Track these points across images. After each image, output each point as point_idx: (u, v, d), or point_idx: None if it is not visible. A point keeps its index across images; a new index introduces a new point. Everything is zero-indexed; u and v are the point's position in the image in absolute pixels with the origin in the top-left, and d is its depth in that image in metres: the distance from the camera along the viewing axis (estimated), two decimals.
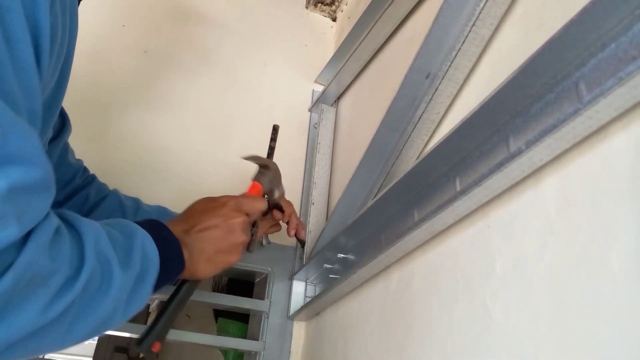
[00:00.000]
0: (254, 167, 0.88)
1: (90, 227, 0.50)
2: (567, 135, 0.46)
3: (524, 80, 0.50)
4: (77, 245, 0.47)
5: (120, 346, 3.84)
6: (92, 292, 0.47)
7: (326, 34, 1.39)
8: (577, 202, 0.46)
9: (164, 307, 0.68)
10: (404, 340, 0.68)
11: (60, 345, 0.47)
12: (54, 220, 0.44)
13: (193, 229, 0.65)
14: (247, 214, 0.72)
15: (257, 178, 0.84)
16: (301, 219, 1.12)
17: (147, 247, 0.55)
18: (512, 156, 0.50)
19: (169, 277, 0.60)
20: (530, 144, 0.48)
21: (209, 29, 1.26)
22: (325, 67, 1.24)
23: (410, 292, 0.70)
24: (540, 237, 0.49)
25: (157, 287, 0.57)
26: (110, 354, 3.68)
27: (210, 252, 0.65)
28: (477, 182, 0.54)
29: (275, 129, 0.89)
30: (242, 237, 0.69)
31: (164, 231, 0.60)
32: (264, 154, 0.90)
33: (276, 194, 0.87)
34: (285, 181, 0.97)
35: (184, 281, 0.69)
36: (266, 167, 0.85)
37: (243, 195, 0.76)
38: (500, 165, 0.51)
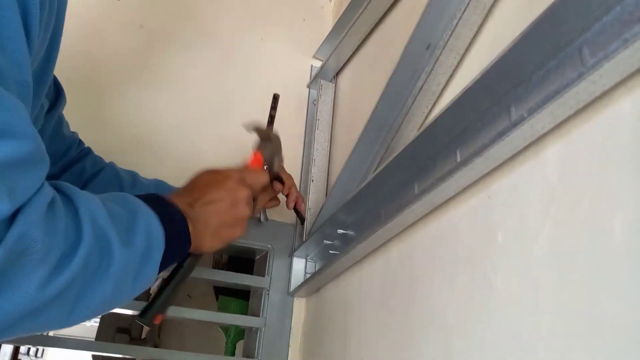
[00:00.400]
0: (251, 141, 0.86)
1: (89, 202, 0.48)
2: (570, 101, 0.45)
3: (526, 47, 0.49)
4: (73, 221, 0.45)
5: (123, 327, 3.88)
6: (92, 270, 0.46)
7: (324, 7, 1.36)
8: (579, 170, 0.45)
9: (166, 280, 0.67)
10: (405, 314, 0.68)
11: (66, 322, 0.47)
12: (48, 193, 0.43)
13: (197, 202, 0.63)
14: (250, 187, 0.71)
15: (258, 147, 0.83)
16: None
17: (151, 226, 0.54)
18: (514, 124, 0.49)
19: (176, 256, 0.59)
20: (532, 112, 0.47)
21: (205, 3, 1.24)
22: (323, 42, 1.23)
23: (410, 266, 0.69)
24: (542, 205, 0.48)
25: (163, 265, 0.56)
26: (112, 335, 3.73)
27: (215, 226, 0.64)
28: (478, 152, 0.54)
29: (275, 98, 0.88)
30: (246, 211, 0.68)
31: (169, 208, 0.59)
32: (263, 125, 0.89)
33: (276, 165, 0.86)
34: (284, 158, 0.96)
35: (186, 255, 0.68)
36: (267, 137, 0.84)
37: (246, 169, 0.74)
38: (501, 134, 0.51)
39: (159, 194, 0.61)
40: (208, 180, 0.67)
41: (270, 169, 0.87)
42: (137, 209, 0.54)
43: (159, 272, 0.55)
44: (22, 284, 0.40)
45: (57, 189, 0.46)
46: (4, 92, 0.38)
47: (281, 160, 0.88)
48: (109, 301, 0.50)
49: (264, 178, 0.76)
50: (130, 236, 0.51)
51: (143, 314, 0.65)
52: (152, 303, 0.65)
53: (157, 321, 0.65)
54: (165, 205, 0.59)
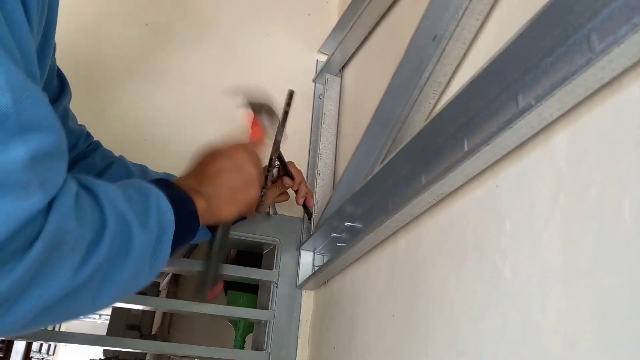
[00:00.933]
0: None
1: (107, 189, 0.50)
2: (578, 88, 0.44)
3: (533, 34, 0.49)
4: (97, 208, 0.47)
5: (133, 324, 3.92)
6: (115, 253, 0.47)
7: (329, 1, 1.36)
8: (588, 156, 0.45)
9: (207, 254, 0.70)
10: (412, 303, 0.68)
11: (91, 307, 0.48)
12: (74, 184, 0.44)
13: (204, 177, 0.65)
14: (251, 146, 0.73)
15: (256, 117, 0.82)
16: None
17: (162, 206, 0.55)
18: (522, 112, 0.49)
19: (186, 236, 0.60)
20: (540, 99, 0.47)
21: (209, 0, 1.24)
22: (328, 36, 1.23)
23: (417, 256, 0.70)
24: (551, 192, 0.48)
25: (174, 246, 0.57)
26: (122, 332, 3.76)
27: (228, 193, 0.65)
28: (486, 141, 0.53)
29: (290, 94, 0.87)
30: (252, 170, 0.69)
31: (175, 189, 0.60)
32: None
33: (279, 137, 0.85)
34: (290, 153, 0.96)
35: (215, 227, 0.70)
36: (260, 109, 0.83)
37: (249, 143, 0.75)
38: (509, 122, 0.51)
39: (166, 178, 0.63)
40: (208, 156, 0.69)
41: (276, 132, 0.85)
42: (149, 191, 0.56)
43: (172, 253, 0.56)
44: (57, 272, 0.41)
45: (76, 180, 0.47)
46: (32, 84, 0.39)
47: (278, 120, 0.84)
48: (130, 284, 0.51)
49: (259, 133, 0.76)
50: (145, 218, 0.52)
51: (201, 291, 0.69)
52: (204, 279, 0.69)
53: (212, 295, 0.69)
54: (172, 187, 0.60)
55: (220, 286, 0.70)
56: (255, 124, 0.80)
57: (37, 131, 0.38)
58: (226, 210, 0.66)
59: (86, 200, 0.45)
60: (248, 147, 0.71)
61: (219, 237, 0.70)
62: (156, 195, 0.55)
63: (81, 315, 0.49)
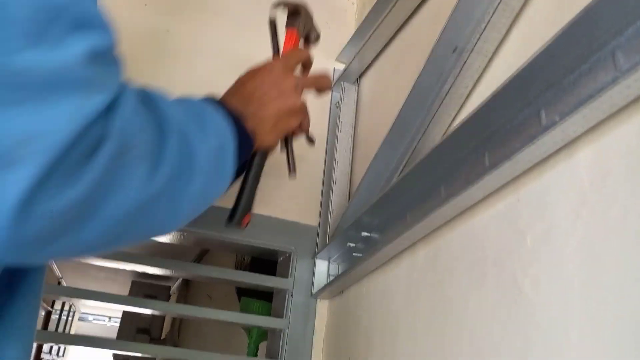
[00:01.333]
0: None
1: (162, 97, 0.48)
2: (604, 105, 0.45)
3: (558, 51, 0.49)
4: (158, 115, 0.44)
5: (143, 327, 3.95)
6: (182, 163, 0.45)
7: (347, 11, 1.37)
8: (612, 173, 0.45)
9: (242, 183, 0.68)
10: (431, 317, 0.68)
11: (172, 221, 0.47)
12: (133, 89, 0.42)
13: (249, 101, 0.63)
14: (296, 70, 0.71)
15: (290, 24, 0.79)
16: (323, 199, 1.13)
17: (217, 120, 0.54)
18: (545, 129, 0.50)
19: (244, 152, 0.59)
20: (564, 116, 0.47)
21: (229, 7, 1.26)
22: (346, 45, 1.23)
23: (437, 269, 0.70)
24: (573, 209, 0.48)
25: (237, 162, 0.55)
26: (132, 335, 3.79)
27: (272, 120, 0.64)
28: (508, 156, 0.54)
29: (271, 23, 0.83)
30: (297, 99, 0.67)
31: (226, 108, 0.58)
32: None
33: (313, 36, 0.83)
34: (306, 160, 0.96)
35: (253, 154, 0.68)
36: (297, 11, 0.79)
37: (284, 55, 0.73)
38: (532, 138, 0.51)
39: (212, 97, 0.61)
40: (253, 79, 0.67)
41: (307, 43, 0.83)
42: (204, 107, 0.54)
43: (235, 169, 0.55)
44: (129, 180, 0.39)
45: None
46: None
47: (317, 32, 0.84)
48: (204, 196, 0.50)
49: (304, 54, 0.73)
50: (203, 130, 0.50)
51: (230, 218, 0.67)
52: (236, 207, 0.67)
53: (246, 221, 0.67)
54: (221, 105, 0.58)
55: (249, 217, 0.68)
56: (290, 30, 0.78)
57: (93, 29, 0.36)
58: (268, 137, 0.64)
59: (144, 107, 0.43)
60: (295, 79, 0.69)
61: (255, 165, 0.68)
62: (212, 109, 0.54)
63: (167, 229, 0.48)
